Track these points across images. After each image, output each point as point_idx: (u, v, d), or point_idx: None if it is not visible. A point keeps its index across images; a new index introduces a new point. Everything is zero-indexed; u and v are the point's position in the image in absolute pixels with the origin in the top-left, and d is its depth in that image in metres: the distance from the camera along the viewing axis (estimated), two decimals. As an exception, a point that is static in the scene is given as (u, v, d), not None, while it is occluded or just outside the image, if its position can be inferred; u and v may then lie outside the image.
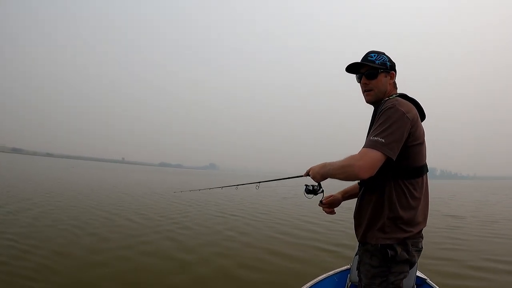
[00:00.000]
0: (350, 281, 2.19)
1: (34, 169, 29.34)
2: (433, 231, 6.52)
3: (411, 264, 1.40)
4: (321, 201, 1.71)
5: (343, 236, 5.85)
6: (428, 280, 2.18)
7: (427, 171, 1.47)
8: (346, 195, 1.78)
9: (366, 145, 1.30)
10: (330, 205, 1.74)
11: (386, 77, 1.50)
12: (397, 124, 1.29)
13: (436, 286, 2.15)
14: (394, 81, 1.54)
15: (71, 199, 9.28)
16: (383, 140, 1.27)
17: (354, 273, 1.92)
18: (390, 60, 1.51)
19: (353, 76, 1.58)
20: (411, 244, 1.38)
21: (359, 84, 1.55)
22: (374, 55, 1.50)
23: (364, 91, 1.53)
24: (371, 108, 1.56)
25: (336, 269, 2.36)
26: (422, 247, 1.46)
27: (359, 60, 1.52)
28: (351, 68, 1.54)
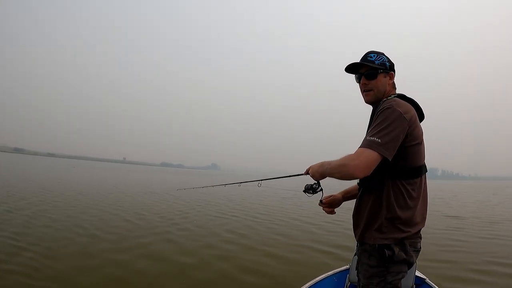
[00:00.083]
0: (349, 281, 2.20)
1: (35, 169, 29.34)
2: (433, 232, 6.45)
3: (409, 264, 1.41)
4: (321, 201, 1.71)
5: (342, 237, 5.79)
6: (427, 280, 2.19)
7: (426, 171, 1.47)
8: (347, 195, 1.77)
9: (363, 145, 1.31)
10: (330, 205, 1.75)
11: (385, 77, 1.50)
12: (394, 124, 1.30)
13: (436, 286, 2.15)
14: (393, 81, 1.54)
15: (70, 199, 9.23)
16: (379, 140, 1.28)
17: (353, 273, 1.94)
18: (389, 61, 1.52)
19: (352, 76, 1.59)
20: (409, 244, 1.39)
21: (358, 84, 1.56)
22: (374, 55, 1.50)
23: (363, 91, 1.54)
24: (371, 108, 1.57)
25: (335, 269, 2.38)
26: (420, 248, 1.46)
27: (358, 60, 1.53)
28: (351, 68, 1.55)
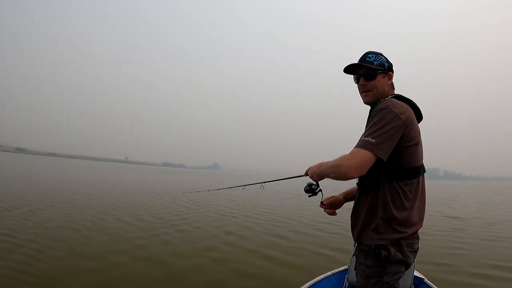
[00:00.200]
0: (347, 281, 2.20)
1: (35, 168, 29.35)
2: (433, 233, 6.33)
3: (406, 264, 1.41)
4: (321, 202, 1.72)
5: (341, 238, 5.72)
6: (426, 280, 2.20)
7: (424, 171, 1.48)
8: (349, 196, 1.76)
9: (357, 145, 1.32)
10: (331, 206, 1.74)
11: (384, 78, 1.50)
12: (389, 125, 1.31)
13: (434, 286, 2.17)
14: (392, 81, 1.55)
15: (68, 198, 9.16)
16: (374, 141, 1.29)
17: (352, 273, 1.95)
18: (388, 61, 1.53)
19: (352, 76, 1.60)
20: (406, 245, 1.39)
21: (357, 85, 1.57)
22: (372, 56, 1.50)
23: (362, 92, 1.54)
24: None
25: (333, 269, 2.39)
26: (418, 248, 1.47)
27: (357, 61, 1.53)
28: (349, 69, 1.55)
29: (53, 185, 13.18)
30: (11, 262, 3.69)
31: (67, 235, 5.05)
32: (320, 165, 1.45)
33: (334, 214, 1.75)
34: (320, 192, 1.64)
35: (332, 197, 1.76)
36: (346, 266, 2.32)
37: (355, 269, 1.55)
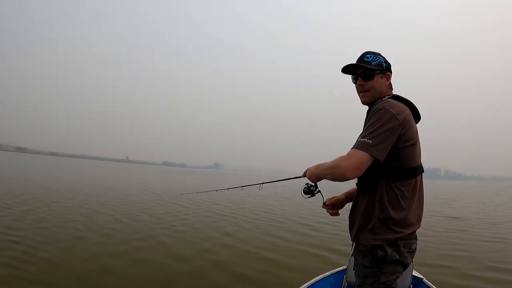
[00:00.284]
0: (346, 281, 2.20)
1: (36, 168, 29.30)
2: (433, 235, 6.28)
3: (404, 265, 1.41)
4: (324, 203, 1.72)
5: (340, 239, 5.66)
6: (425, 280, 2.20)
7: (422, 171, 1.49)
8: (350, 196, 1.75)
9: (354, 146, 1.32)
10: (333, 206, 1.74)
11: (382, 78, 1.51)
12: (386, 125, 1.31)
13: (433, 286, 2.17)
14: (390, 82, 1.54)
15: (66, 197, 9.09)
16: (370, 142, 1.29)
17: (351, 273, 1.96)
18: (386, 61, 1.52)
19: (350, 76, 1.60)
20: (403, 245, 1.39)
21: (355, 85, 1.57)
22: (370, 56, 1.51)
23: (360, 92, 1.54)
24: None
25: (332, 270, 2.40)
26: (416, 249, 1.47)
27: (356, 61, 1.53)
28: (347, 69, 1.55)
29: (52, 185, 13.10)
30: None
31: (62, 235, 5.01)
32: (318, 166, 1.45)
33: (337, 214, 1.74)
34: (319, 193, 1.64)
35: (334, 197, 1.76)
36: (344, 266, 2.33)
37: (353, 269, 1.55)
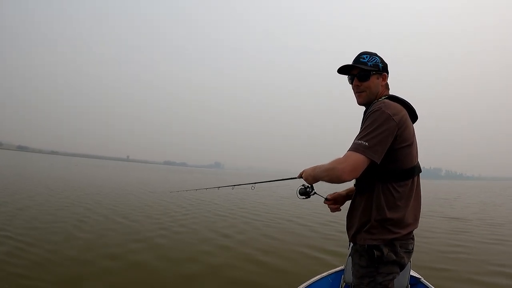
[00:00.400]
0: (344, 281, 2.21)
1: (36, 167, 29.26)
2: (432, 236, 6.22)
3: (401, 265, 1.42)
4: (326, 198, 1.72)
5: (337, 240, 5.60)
6: (422, 279, 2.21)
7: (419, 171, 1.48)
8: (350, 193, 1.75)
9: (351, 148, 1.33)
10: (334, 201, 1.75)
11: (378, 79, 1.50)
12: (382, 127, 1.31)
13: (431, 285, 2.17)
14: (387, 82, 1.54)
15: (62, 197, 8.97)
16: (366, 144, 1.29)
17: (348, 273, 1.97)
18: (382, 61, 1.52)
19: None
20: (400, 245, 1.40)
21: (351, 85, 1.58)
22: (367, 57, 1.51)
23: (356, 93, 1.54)
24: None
25: (331, 268, 2.43)
26: (413, 249, 1.47)
27: (352, 62, 1.53)
28: (343, 70, 1.55)
29: (50, 183, 13.00)
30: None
31: (52, 235, 4.94)
32: (315, 168, 1.47)
33: (338, 209, 1.74)
34: (315, 195, 1.65)
35: (335, 193, 1.78)
36: (342, 267, 2.33)
37: (351, 270, 1.56)
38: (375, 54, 1.52)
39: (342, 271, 2.29)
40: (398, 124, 1.33)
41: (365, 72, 1.48)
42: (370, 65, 1.48)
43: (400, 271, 1.44)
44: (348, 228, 1.55)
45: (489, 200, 18.64)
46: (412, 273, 2.12)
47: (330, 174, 1.33)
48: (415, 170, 1.44)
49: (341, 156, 1.34)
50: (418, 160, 1.49)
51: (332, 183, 1.35)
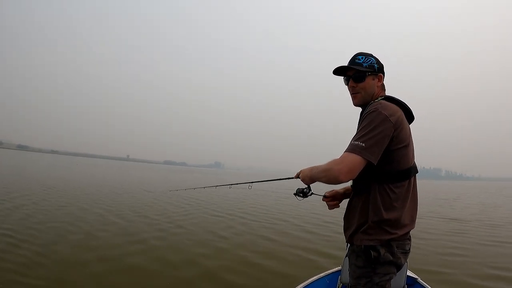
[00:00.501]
0: (341, 282, 2.21)
1: (36, 166, 29.18)
2: (432, 237, 6.18)
3: (397, 266, 1.43)
4: (324, 195, 1.73)
5: (334, 242, 5.55)
6: (419, 280, 2.21)
7: (416, 172, 1.49)
8: (347, 192, 1.76)
9: (347, 149, 1.33)
10: (333, 198, 1.75)
11: (373, 79, 1.51)
12: (378, 128, 1.31)
13: (428, 286, 2.17)
14: (382, 83, 1.54)
15: (64, 198, 8.85)
16: (363, 145, 1.30)
17: (345, 274, 1.99)
18: (378, 62, 1.52)
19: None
20: (396, 246, 1.40)
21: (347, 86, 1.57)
22: (362, 58, 1.51)
23: (351, 94, 1.55)
24: None
25: (327, 270, 2.42)
26: (409, 249, 1.48)
27: (347, 63, 1.54)
28: (339, 71, 1.55)
29: (48, 182, 12.82)
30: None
31: (45, 235, 4.90)
32: (312, 168, 1.48)
33: (337, 206, 1.74)
34: (313, 195, 1.66)
35: (333, 190, 1.77)
36: (339, 267, 2.34)
37: (348, 270, 1.57)
38: (371, 55, 1.53)
39: (339, 271, 2.30)
40: (394, 125, 1.34)
41: (360, 73, 1.48)
42: (366, 66, 1.49)
43: (397, 271, 1.45)
44: (345, 229, 1.55)
45: (489, 200, 18.61)
46: (409, 273, 2.13)
47: (327, 175, 1.34)
48: (412, 171, 1.45)
49: (338, 157, 1.34)
50: (415, 160, 1.50)
51: (329, 184, 1.37)
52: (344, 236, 1.56)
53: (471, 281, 3.85)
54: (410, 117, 1.50)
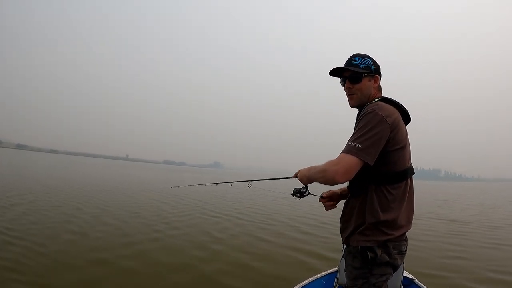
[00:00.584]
0: (337, 283, 2.21)
1: (36, 166, 29.08)
2: (430, 239, 6.12)
3: (394, 266, 1.43)
4: (321, 196, 1.73)
5: (330, 243, 5.49)
6: (416, 280, 2.21)
7: (412, 173, 1.49)
8: (344, 192, 1.77)
9: (344, 150, 1.33)
10: (330, 198, 1.75)
11: (370, 81, 1.51)
12: (375, 129, 1.31)
13: (424, 286, 2.18)
14: (379, 84, 1.55)
15: (60, 197, 8.75)
16: (360, 146, 1.30)
17: (342, 275, 1.99)
18: (374, 63, 1.52)
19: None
20: (393, 247, 1.41)
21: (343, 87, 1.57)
22: (358, 59, 1.52)
23: (347, 95, 1.55)
24: None
25: (323, 271, 2.42)
26: (406, 250, 1.49)
27: (344, 64, 1.54)
28: (335, 72, 1.55)
29: (47, 182, 12.71)
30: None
31: (36, 235, 4.84)
32: (310, 168, 1.48)
33: (334, 206, 1.74)
34: (310, 195, 1.67)
35: (330, 190, 1.77)
36: (335, 268, 2.34)
37: (344, 271, 1.57)
38: (367, 56, 1.53)
39: (335, 272, 2.31)
40: (391, 126, 1.34)
41: (357, 74, 1.49)
42: (362, 67, 1.49)
43: (393, 272, 1.45)
44: (342, 230, 1.56)
45: (489, 201, 18.55)
46: (406, 274, 2.13)
47: (324, 175, 1.34)
48: (408, 172, 1.46)
49: (335, 158, 1.34)
50: (411, 162, 1.50)
51: (326, 184, 1.38)
52: (341, 237, 1.56)
53: (471, 285, 3.76)
54: (406, 118, 1.51)
